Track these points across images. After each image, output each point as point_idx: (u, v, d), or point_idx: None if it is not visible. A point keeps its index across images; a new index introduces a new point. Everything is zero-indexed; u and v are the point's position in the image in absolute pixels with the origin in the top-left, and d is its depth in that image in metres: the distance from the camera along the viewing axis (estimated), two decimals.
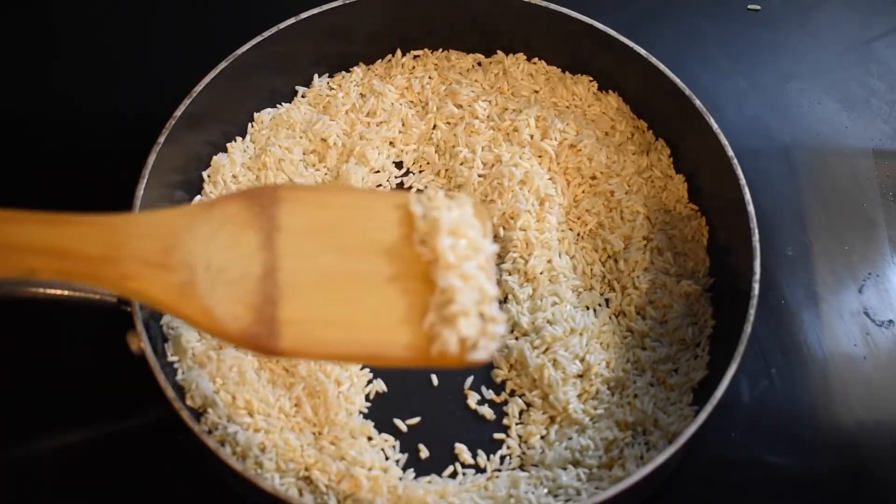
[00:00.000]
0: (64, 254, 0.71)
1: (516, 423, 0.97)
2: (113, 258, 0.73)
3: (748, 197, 0.97)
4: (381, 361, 0.82)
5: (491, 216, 0.95)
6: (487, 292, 0.79)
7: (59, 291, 0.88)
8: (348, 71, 1.15)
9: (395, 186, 1.10)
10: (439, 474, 0.94)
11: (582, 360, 0.98)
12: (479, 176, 1.09)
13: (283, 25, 1.05)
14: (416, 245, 0.80)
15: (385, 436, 0.95)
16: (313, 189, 0.84)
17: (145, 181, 0.95)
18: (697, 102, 1.03)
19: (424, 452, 0.95)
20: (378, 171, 1.10)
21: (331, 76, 1.15)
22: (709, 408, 0.87)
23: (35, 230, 0.71)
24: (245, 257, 0.77)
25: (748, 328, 0.90)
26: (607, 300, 1.03)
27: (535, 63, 1.15)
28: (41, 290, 0.88)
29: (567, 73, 1.15)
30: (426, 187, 0.96)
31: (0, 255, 0.70)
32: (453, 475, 0.94)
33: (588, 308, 1.02)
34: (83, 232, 0.73)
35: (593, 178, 1.09)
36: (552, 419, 0.96)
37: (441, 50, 1.16)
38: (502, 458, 0.95)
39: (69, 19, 1.25)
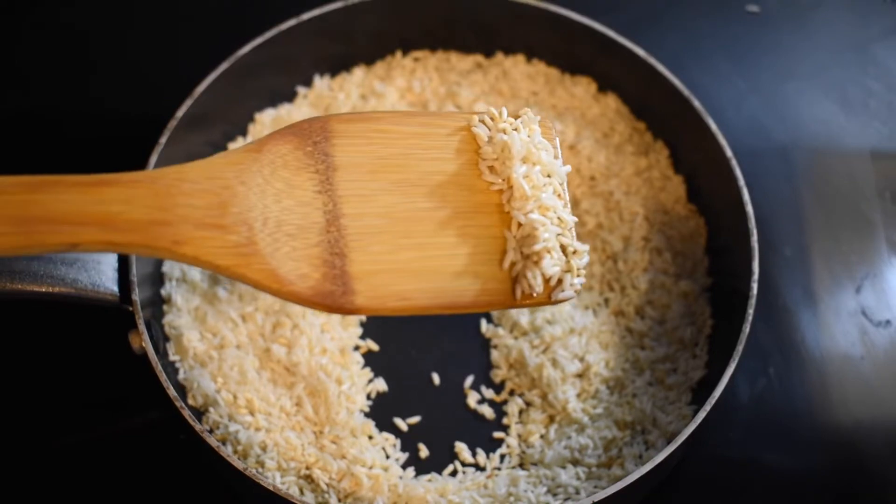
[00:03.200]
0: (108, 223, 0.64)
1: (516, 423, 0.97)
2: (162, 222, 0.65)
3: (747, 197, 0.97)
4: (461, 310, 0.73)
5: (557, 133, 0.84)
6: (567, 221, 0.74)
7: (59, 290, 0.88)
8: (349, 72, 1.15)
9: None
10: (439, 473, 0.94)
11: (581, 360, 0.98)
12: None
13: (284, 27, 1.06)
14: (485, 174, 0.75)
15: (386, 434, 0.96)
16: (366, 118, 0.75)
17: None
18: (696, 103, 1.03)
19: (424, 451, 0.95)
20: None
21: (332, 77, 1.15)
22: (707, 407, 0.87)
23: (74, 198, 0.63)
24: (303, 205, 0.71)
25: (746, 328, 0.90)
26: (606, 300, 1.04)
27: (534, 64, 1.16)
28: (41, 289, 0.88)
29: (566, 74, 1.15)
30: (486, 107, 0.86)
31: (39, 228, 0.62)
32: (453, 474, 0.94)
33: (587, 308, 1.03)
34: (127, 194, 0.65)
35: (592, 178, 1.10)
36: (551, 418, 0.97)
37: (441, 51, 1.17)
38: (502, 456, 0.96)
39: (68, 21, 1.26)
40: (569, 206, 0.76)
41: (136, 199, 0.65)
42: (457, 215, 0.74)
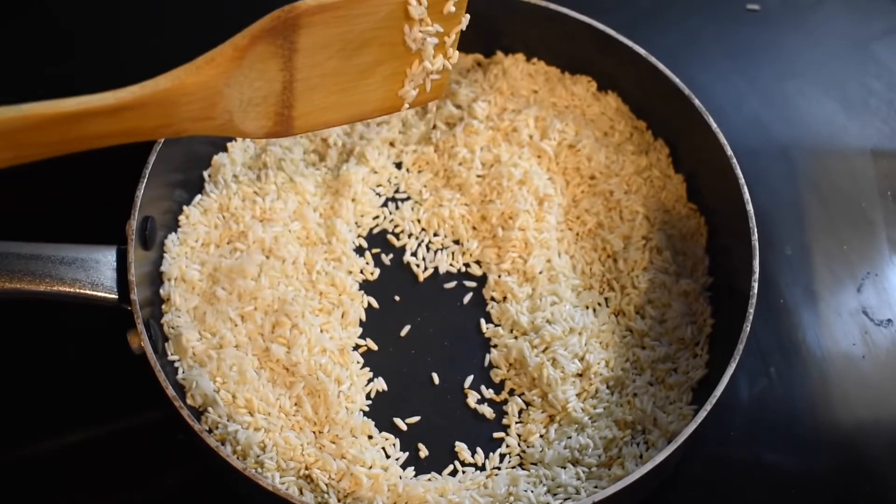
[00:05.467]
0: (128, 133, 0.82)
1: (516, 422, 0.97)
2: (168, 125, 0.84)
3: (747, 196, 0.97)
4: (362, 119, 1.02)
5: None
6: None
7: (58, 290, 0.88)
8: None
9: (394, 187, 1.11)
10: (439, 472, 0.94)
11: (581, 360, 0.98)
12: (478, 176, 1.09)
13: None
14: (406, 35, 0.93)
15: (385, 434, 0.96)
16: (329, 7, 0.89)
17: (146, 181, 0.95)
18: (697, 102, 1.03)
19: (424, 451, 0.95)
20: (377, 172, 1.10)
21: None
22: (708, 407, 0.87)
23: (103, 122, 0.79)
24: (269, 82, 0.88)
25: (747, 327, 0.90)
26: (606, 299, 1.03)
27: (534, 63, 1.16)
28: (41, 289, 0.88)
29: (566, 73, 1.15)
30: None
31: (76, 144, 0.79)
32: (453, 473, 0.94)
33: (587, 307, 1.02)
34: (142, 113, 0.81)
35: (592, 177, 1.10)
36: (551, 418, 0.96)
37: None
38: (502, 456, 0.95)
39: (71, 19, 1.26)
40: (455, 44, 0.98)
41: (148, 116, 0.82)
42: (377, 63, 0.94)
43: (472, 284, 1.05)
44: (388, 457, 0.94)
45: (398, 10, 0.92)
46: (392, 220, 1.09)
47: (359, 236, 1.07)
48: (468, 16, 0.97)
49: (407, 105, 0.98)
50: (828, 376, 1.03)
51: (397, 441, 0.95)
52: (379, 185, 1.10)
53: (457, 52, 0.99)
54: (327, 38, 0.89)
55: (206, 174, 1.07)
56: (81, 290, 0.89)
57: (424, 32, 0.94)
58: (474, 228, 1.08)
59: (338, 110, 0.95)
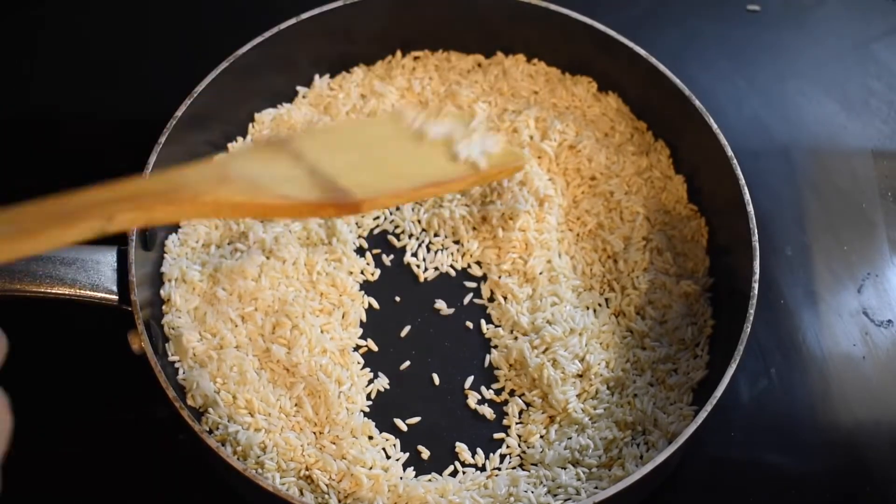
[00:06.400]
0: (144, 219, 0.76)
1: (516, 423, 0.97)
2: (180, 200, 0.77)
3: (748, 197, 0.97)
4: (449, 189, 1.02)
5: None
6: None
7: (58, 290, 0.88)
8: (349, 71, 1.15)
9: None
10: (440, 473, 0.94)
11: (581, 360, 0.98)
12: None
13: (283, 26, 1.05)
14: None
15: (386, 435, 0.96)
16: (321, 132, 0.97)
17: None
18: (697, 103, 1.03)
19: (425, 452, 0.95)
20: None
21: (331, 77, 1.15)
22: (708, 407, 0.87)
23: (121, 207, 0.74)
24: (285, 169, 0.86)
25: (747, 328, 0.90)
26: (607, 300, 1.03)
27: (534, 64, 1.16)
28: (41, 289, 0.88)
29: (567, 73, 1.15)
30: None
31: (82, 223, 0.74)
32: (453, 474, 0.94)
33: (588, 308, 1.02)
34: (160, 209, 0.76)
35: (593, 178, 1.10)
36: (552, 419, 0.96)
37: (441, 51, 1.17)
38: (502, 457, 0.95)
39: (72, 19, 1.26)
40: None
41: (160, 196, 0.76)
42: (409, 143, 0.96)
43: (473, 285, 1.05)
44: (388, 457, 0.94)
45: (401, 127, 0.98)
46: (392, 221, 1.09)
47: (359, 237, 1.07)
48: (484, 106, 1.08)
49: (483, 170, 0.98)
50: (828, 377, 1.03)
51: (398, 442, 0.95)
52: None
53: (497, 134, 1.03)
54: (327, 145, 0.91)
55: None
56: (81, 291, 0.89)
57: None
58: (475, 229, 1.08)
59: (405, 178, 0.92)
